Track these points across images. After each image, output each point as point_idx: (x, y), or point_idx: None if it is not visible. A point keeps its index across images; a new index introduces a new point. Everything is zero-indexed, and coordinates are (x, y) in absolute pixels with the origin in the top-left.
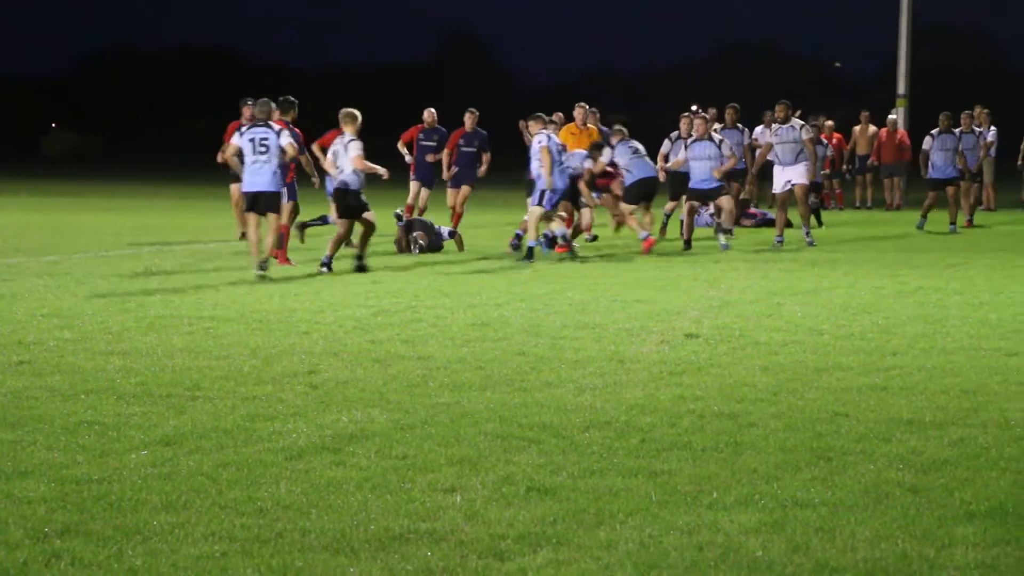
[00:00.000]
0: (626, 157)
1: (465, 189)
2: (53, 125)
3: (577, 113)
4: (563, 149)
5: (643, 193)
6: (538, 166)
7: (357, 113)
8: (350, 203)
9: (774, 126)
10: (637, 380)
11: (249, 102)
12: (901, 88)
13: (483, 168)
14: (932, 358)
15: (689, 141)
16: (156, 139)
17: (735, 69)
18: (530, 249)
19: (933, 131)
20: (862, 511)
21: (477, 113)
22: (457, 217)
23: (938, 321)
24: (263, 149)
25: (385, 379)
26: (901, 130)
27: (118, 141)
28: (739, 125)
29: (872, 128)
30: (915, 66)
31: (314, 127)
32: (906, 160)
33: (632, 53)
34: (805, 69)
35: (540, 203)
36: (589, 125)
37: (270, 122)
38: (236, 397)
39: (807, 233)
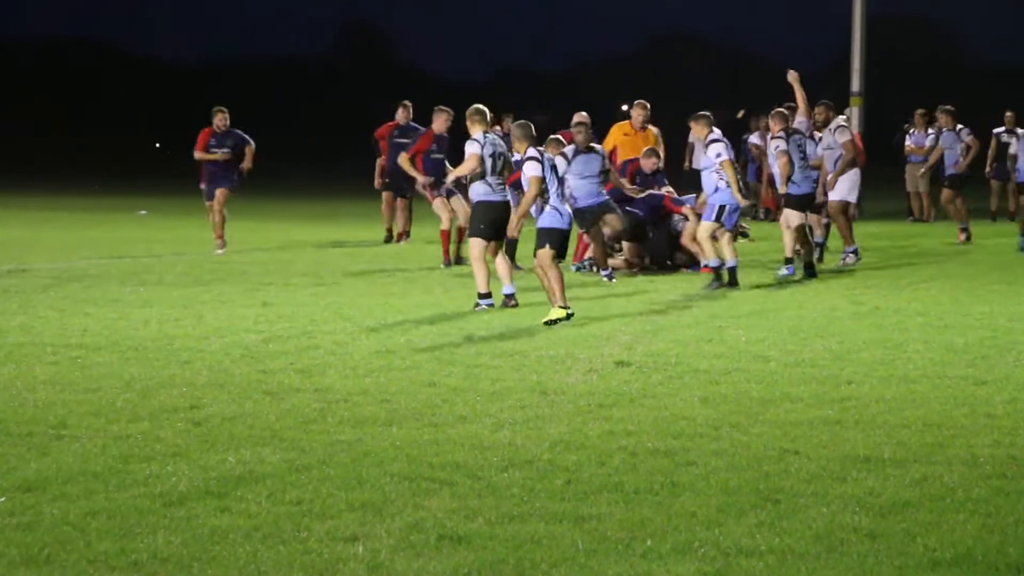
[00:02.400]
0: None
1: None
2: None
3: (636, 113)
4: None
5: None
6: (717, 179)
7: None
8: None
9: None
10: (562, 414)
11: None
12: (855, 85)
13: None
14: (892, 388)
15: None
16: (16, 143)
17: (665, 64)
18: (728, 270)
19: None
20: (814, 560)
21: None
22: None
23: (898, 346)
24: None
25: (277, 414)
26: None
27: None
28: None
29: None
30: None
31: (195, 124)
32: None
33: (552, 49)
34: (744, 62)
35: (717, 219)
36: (649, 128)
37: None
38: (108, 436)
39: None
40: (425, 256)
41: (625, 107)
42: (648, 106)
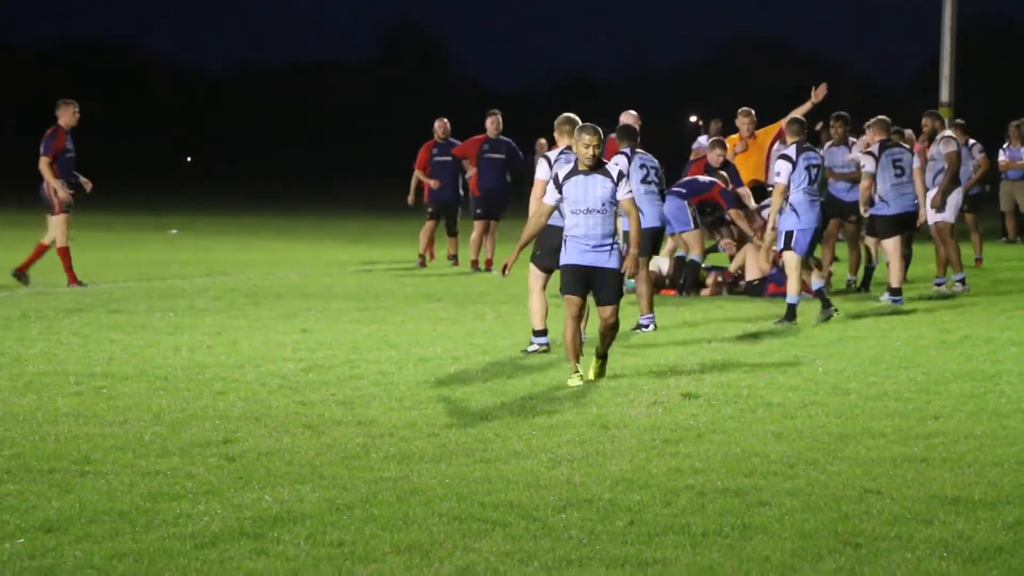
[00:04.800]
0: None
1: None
2: None
3: (741, 122)
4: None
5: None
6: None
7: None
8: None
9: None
10: (624, 449)
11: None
12: (944, 95)
13: None
14: (982, 423)
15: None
16: (32, 151)
17: (738, 72)
18: (791, 307)
19: None
20: None
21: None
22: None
23: (990, 378)
24: None
25: (317, 449)
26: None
27: None
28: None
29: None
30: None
31: (225, 135)
32: None
33: (615, 56)
34: (824, 72)
35: (789, 246)
36: (758, 134)
37: None
38: (135, 472)
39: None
40: (477, 281)
41: (693, 118)
42: (753, 112)
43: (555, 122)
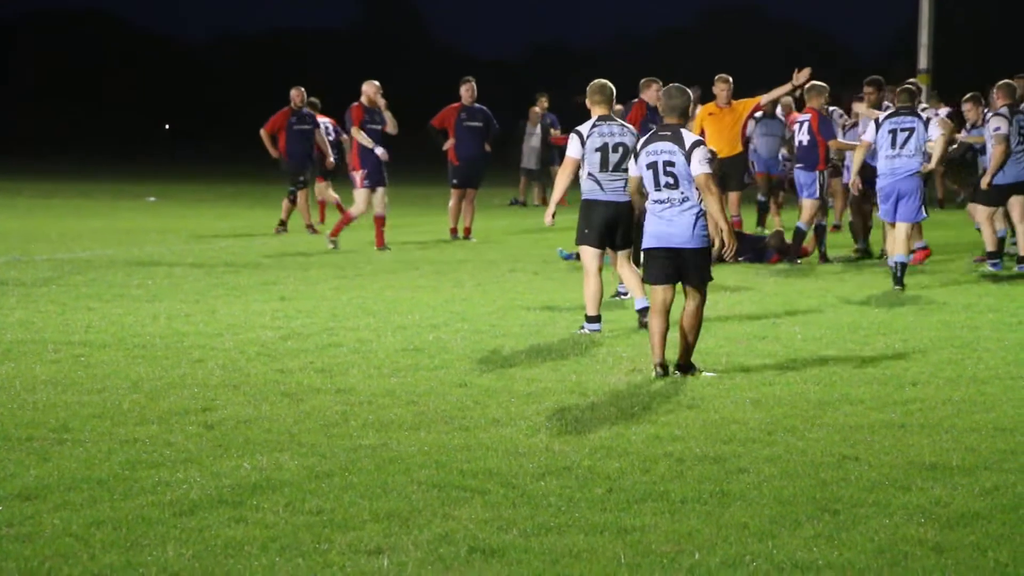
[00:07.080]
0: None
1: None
2: None
3: (719, 88)
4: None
5: None
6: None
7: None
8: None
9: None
10: (603, 417)
11: None
12: (923, 62)
13: None
14: (960, 389)
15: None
16: (7, 126)
17: (716, 40)
18: (901, 267)
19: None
20: (875, 574)
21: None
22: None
23: (968, 344)
24: None
25: (296, 417)
26: None
27: None
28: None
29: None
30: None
31: (205, 104)
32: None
33: (591, 23)
34: (803, 39)
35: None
36: (735, 103)
37: None
38: (113, 440)
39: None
40: (455, 248)
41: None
42: (731, 80)
43: (588, 90)
